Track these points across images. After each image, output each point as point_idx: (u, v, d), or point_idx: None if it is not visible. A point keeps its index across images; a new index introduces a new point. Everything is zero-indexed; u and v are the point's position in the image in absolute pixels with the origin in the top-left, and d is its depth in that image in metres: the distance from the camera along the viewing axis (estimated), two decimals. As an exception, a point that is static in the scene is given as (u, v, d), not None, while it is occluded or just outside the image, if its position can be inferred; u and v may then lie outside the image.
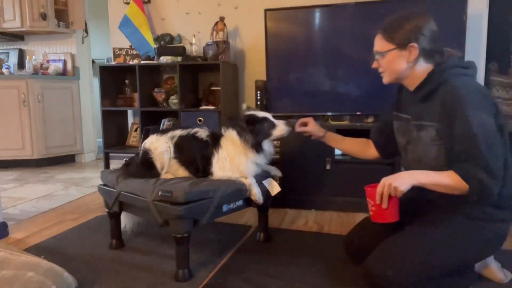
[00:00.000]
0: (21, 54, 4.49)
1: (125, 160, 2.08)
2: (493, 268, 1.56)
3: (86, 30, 4.41)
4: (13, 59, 4.44)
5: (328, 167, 2.58)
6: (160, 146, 1.82)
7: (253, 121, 1.76)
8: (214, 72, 3.28)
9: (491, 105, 1.31)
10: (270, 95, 2.93)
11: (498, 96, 2.87)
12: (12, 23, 4.09)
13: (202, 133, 1.85)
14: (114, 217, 1.95)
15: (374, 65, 1.50)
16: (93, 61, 4.75)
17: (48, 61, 4.40)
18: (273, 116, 1.80)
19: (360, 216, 2.31)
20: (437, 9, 2.50)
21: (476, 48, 2.89)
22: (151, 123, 3.45)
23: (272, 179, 1.92)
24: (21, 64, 4.38)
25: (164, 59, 3.31)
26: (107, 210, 1.94)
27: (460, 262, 1.42)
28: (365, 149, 1.81)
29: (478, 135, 1.23)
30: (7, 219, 2.27)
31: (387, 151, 1.76)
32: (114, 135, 3.69)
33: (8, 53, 4.51)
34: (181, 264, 1.63)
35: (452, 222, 1.39)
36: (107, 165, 3.59)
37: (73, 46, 4.40)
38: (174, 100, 3.36)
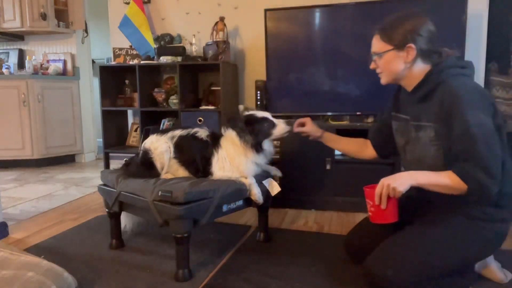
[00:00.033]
0: (21, 54, 4.49)
1: (125, 160, 2.08)
2: (493, 268, 1.56)
3: (86, 30, 4.41)
4: (13, 59, 4.44)
5: (328, 167, 2.58)
6: (160, 146, 1.82)
7: (252, 121, 1.75)
8: (214, 72, 3.28)
9: (489, 105, 1.31)
10: (270, 95, 2.93)
11: (498, 96, 2.87)
12: (12, 23, 4.09)
13: (202, 133, 1.85)
14: (114, 217, 1.96)
15: (372, 66, 1.50)
16: (93, 61, 4.75)
17: (48, 61, 4.40)
18: (273, 116, 1.80)
19: (360, 216, 2.31)
20: (437, 9, 2.50)
21: (476, 48, 2.89)
22: (151, 123, 3.45)
23: (272, 179, 1.92)
24: (21, 64, 4.38)
25: (164, 59, 3.31)
26: (107, 210, 1.94)
27: (460, 262, 1.42)
28: (362, 149, 1.81)
29: (476, 135, 1.23)
30: (7, 219, 2.27)
31: (385, 151, 1.76)
32: (114, 135, 3.69)
33: (8, 53, 4.52)
34: (181, 264, 1.63)
35: (452, 222, 1.39)
36: (107, 165, 3.59)
37: (73, 46, 4.40)
38: (174, 100, 3.36)
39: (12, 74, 4.05)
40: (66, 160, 4.42)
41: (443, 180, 1.28)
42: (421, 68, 1.41)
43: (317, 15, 2.78)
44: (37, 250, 1.95)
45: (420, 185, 1.30)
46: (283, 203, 2.61)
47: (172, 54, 3.31)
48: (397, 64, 1.42)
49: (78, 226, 2.32)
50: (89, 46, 4.59)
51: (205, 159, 1.79)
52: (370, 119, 2.79)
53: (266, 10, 2.84)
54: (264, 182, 1.86)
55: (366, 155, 1.81)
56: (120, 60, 3.57)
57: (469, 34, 2.64)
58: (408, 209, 1.46)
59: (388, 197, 1.32)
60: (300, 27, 2.83)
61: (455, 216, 1.39)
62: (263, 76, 2.96)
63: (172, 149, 1.82)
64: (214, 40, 3.26)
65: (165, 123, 3.48)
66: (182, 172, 1.85)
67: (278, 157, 2.58)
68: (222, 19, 3.29)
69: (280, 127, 1.76)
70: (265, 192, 1.86)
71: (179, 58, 3.31)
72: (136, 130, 3.74)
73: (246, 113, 1.81)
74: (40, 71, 4.17)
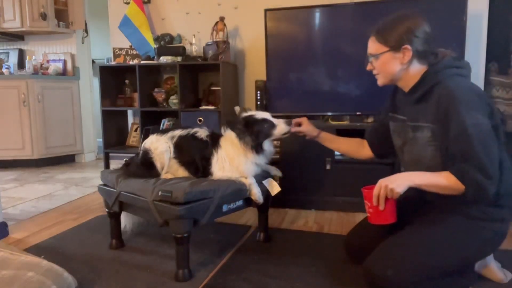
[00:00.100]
0: (21, 54, 4.49)
1: (125, 160, 2.08)
2: (493, 268, 1.56)
3: (86, 30, 4.41)
4: (13, 59, 4.45)
5: (328, 167, 2.58)
6: (160, 146, 1.82)
7: (251, 123, 1.75)
8: (214, 72, 3.28)
9: (485, 105, 1.31)
10: (270, 95, 2.93)
11: (498, 96, 2.87)
12: (12, 23, 4.09)
13: (202, 133, 1.85)
14: (114, 217, 1.96)
15: (368, 67, 1.51)
16: (93, 61, 4.75)
17: (48, 61, 4.40)
18: (273, 116, 1.79)
19: (360, 216, 2.31)
20: (437, 9, 2.51)
21: (476, 48, 2.89)
22: (151, 123, 3.45)
23: (272, 179, 1.92)
24: (21, 64, 4.38)
25: (164, 59, 3.31)
26: (107, 210, 1.94)
27: (459, 262, 1.42)
28: (359, 149, 1.81)
29: (473, 135, 1.24)
30: (7, 219, 2.27)
31: (382, 151, 1.77)
32: (114, 135, 3.69)
33: (8, 53, 4.52)
34: (181, 264, 1.63)
35: (451, 222, 1.39)
36: (107, 165, 3.59)
37: (73, 46, 4.40)
38: (174, 100, 3.36)
39: (12, 74, 4.05)
40: (66, 160, 4.42)
41: (441, 180, 1.29)
42: (417, 69, 1.42)
43: (317, 15, 2.78)
44: (37, 250, 1.95)
45: (417, 186, 1.30)
46: (283, 203, 2.61)
47: (172, 54, 3.31)
48: (393, 66, 1.42)
49: (78, 226, 2.32)
50: (89, 46, 4.59)
51: (205, 159, 1.79)
52: (370, 119, 2.79)
53: (266, 10, 2.84)
54: (264, 182, 1.86)
55: (362, 155, 1.81)
56: (120, 60, 3.58)
57: (469, 34, 2.64)
58: (407, 210, 1.46)
59: (386, 198, 1.32)
60: (300, 27, 2.83)
61: (454, 216, 1.39)
62: (263, 76, 2.96)
63: (172, 149, 1.82)
64: (214, 40, 3.26)
65: (165, 123, 3.48)
66: (182, 172, 1.85)
67: (278, 157, 2.58)
68: (222, 19, 3.29)
69: (280, 127, 1.76)
70: (265, 192, 1.86)
71: (179, 58, 3.31)
72: (136, 130, 3.74)
73: (245, 114, 1.80)
74: (40, 71, 4.17)
